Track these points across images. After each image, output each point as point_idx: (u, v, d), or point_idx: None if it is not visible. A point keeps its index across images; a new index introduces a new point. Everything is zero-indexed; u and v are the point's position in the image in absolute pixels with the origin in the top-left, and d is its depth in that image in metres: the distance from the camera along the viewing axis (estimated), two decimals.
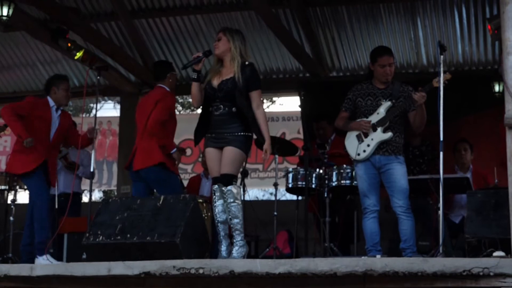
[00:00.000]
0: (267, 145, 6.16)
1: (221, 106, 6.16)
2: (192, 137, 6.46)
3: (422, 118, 6.57)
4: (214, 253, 6.48)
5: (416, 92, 6.44)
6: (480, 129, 10.11)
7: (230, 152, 6.10)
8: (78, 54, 10.59)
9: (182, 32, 11.55)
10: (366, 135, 6.60)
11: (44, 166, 7.33)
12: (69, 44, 10.49)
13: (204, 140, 6.29)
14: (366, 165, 6.58)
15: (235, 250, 6.04)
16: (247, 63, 6.26)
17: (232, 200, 6.07)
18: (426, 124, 6.60)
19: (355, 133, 6.67)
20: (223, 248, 6.14)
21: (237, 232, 6.09)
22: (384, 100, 6.61)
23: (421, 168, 8.32)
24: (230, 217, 6.09)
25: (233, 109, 6.14)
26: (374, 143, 6.55)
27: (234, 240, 6.08)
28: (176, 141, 8.33)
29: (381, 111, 6.60)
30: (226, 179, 6.09)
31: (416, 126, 6.65)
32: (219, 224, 6.19)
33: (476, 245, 5.94)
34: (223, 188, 6.09)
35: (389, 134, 6.54)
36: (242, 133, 6.13)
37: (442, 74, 6.13)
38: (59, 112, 7.56)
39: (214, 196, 6.21)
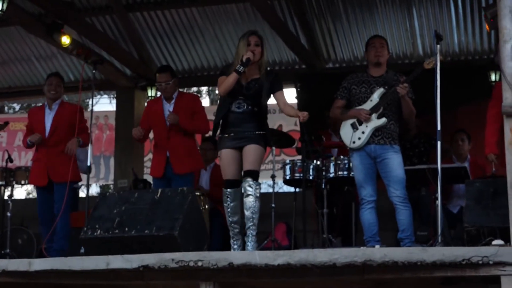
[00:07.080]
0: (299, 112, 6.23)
1: (245, 104, 6.28)
2: None
3: (407, 109, 6.60)
4: (212, 246, 6.49)
5: (400, 84, 6.47)
6: (477, 118, 10.02)
7: (256, 150, 6.22)
8: (66, 41, 10.50)
9: (177, 25, 11.52)
10: (360, 123, 6.59)
11: None
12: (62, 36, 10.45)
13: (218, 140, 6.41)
14: (361, 155, 6.58)
15: (251, 245, 6.14)
16: (268, 68, 6.52)
17: (258, 195, 6.18)
18: (424, 113, 6.58)
19: (349, 121, 6.65)
20: (236, 246, 6.28)
21: (254, 227, 6.19)
22: (377, 87, 6.62)
23: (412, 161, 8.26)
24: (253, 211, 6.16)
25: (255, 108, 6.26)
26: (368, 129, 6.54)
27: (249, 235, 6.18)
28: None
29: (374, 97, 6.60)
30: (255, 175, 6.20)
31: (405, 117, 6.68)
32: (232, 224, 6.31)
33: (475, 234, 5.92)
34: (251, 183, 6.13)
35: (383, 120, 6.54)
36: (261, 132, 6.27)
37: (438, 63, 6.11)
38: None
39: (227, 199, 6.29)
